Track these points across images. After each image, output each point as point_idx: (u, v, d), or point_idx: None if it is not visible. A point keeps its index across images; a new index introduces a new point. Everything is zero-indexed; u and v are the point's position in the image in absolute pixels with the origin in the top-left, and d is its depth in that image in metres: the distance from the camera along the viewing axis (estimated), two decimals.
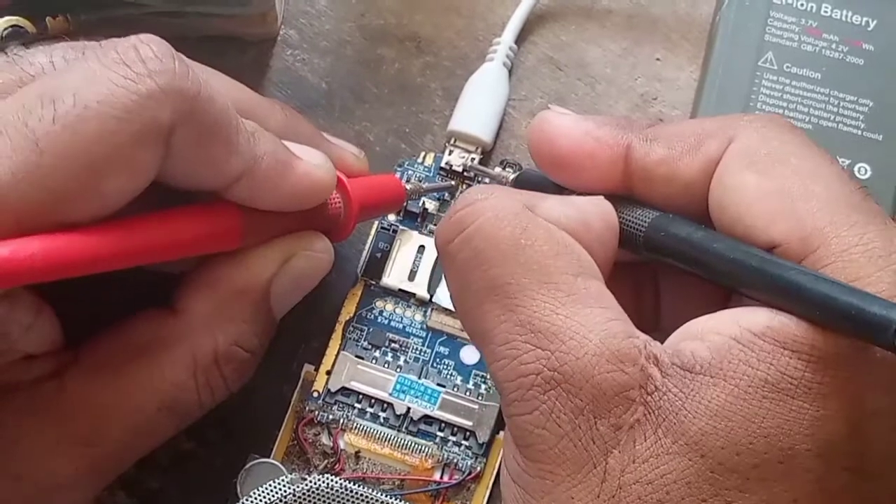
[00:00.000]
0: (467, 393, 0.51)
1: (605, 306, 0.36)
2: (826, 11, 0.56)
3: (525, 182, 0.45)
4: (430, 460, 0.50)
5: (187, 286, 0.45)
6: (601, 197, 0.40)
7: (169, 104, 0.39)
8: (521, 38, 0.58)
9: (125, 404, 0.43)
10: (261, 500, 0.46)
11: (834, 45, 0.55)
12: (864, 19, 0.56)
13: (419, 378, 0.51)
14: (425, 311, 0.53)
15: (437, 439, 0.51)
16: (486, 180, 0.53)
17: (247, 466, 0.48)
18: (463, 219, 0.38)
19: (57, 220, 0.38)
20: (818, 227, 0.35)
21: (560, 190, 0.41)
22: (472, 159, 0.55)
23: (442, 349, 0.52)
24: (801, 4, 0.56)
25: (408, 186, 0.52)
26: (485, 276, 0.37)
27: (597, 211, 0.39)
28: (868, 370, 0.34)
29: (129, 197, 0.39)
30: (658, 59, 0.58)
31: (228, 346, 0.44)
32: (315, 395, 0.50)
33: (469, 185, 0.54)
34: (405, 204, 0.53)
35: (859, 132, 0.54)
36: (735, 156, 0.38)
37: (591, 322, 0.35)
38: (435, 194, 0.54)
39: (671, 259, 0.38)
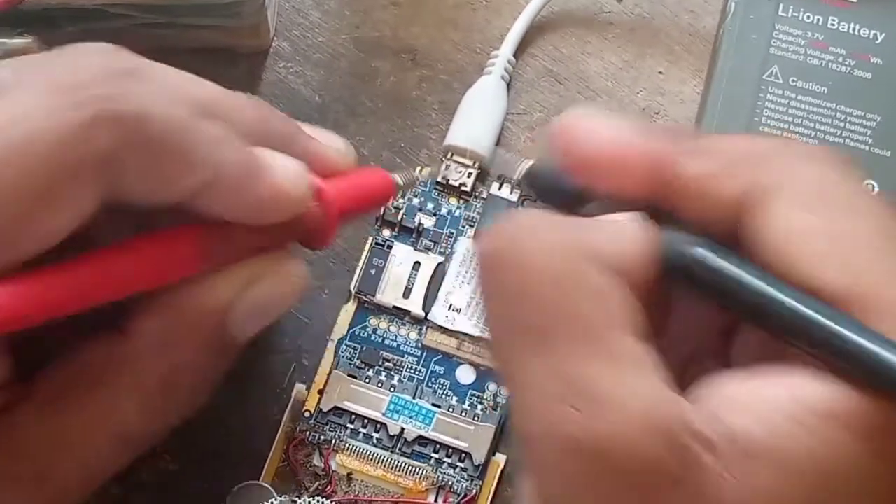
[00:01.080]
0: (463, 413, 0.50)
1: (652, 369, 0.33)
2: (833, 24, 0.55)
3: (537, 177, 0.42)
4: (424, 482, 0.49)
5: (139, 306, 0.42)
6: (642, 220, 0.37)
7: (105, 131, 0.36)
8: (520, 51, 0.57)
9: (75, 437, 0.41)
10: None
11: (841, 59, 0.54)
12: (872, 32, 0.54)
13: (413, 398, 0.50)
14: (420, 329, 0.51)
15: (432, 461, 0.49)
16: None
17: (235, 489, 0.47)
18: (513, 243, 0.35)
19: None
20: (871, 279, 0.33)
21: (578, 192, 0.39)
22: (470, 174, 0.53)
23: (437, 368, 0.51)
24: (808, 17, 0.55)
25: (399, 180, 0.48)
26: (528, 316, 0.34)
27: (645, 243, 0.36)
28: None
29: (73, 227, 0.37)
30: (661, 73, 0.57)
31: (176, 372, 0.42)
32: (307, 414, 0.49)
33: (466, 202, 0.53)
34: (400, 218, 0.52)
35: (867, 147, 0.52)
36: (786, 187, 0.35)
37: (635, 389, 0.33)
38: (431, 209, 0.53)
39: (708, 294, 0.36)
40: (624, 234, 0.36)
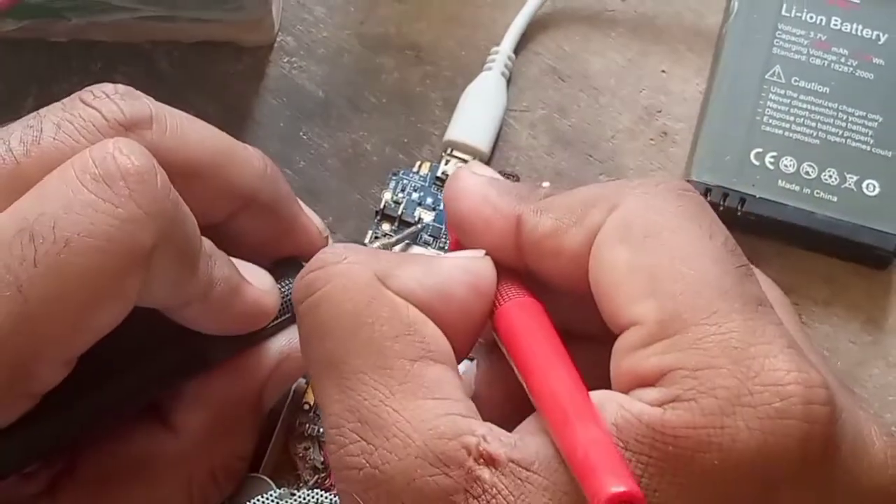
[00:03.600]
0: None
1: (441, 397, 0.34)
2: (835, 25, 0.55)
3: None
4: None
5: (182, 401, 0.43)
6: (482, 253, 0.39)
7: (152, 226, 0.36)
8: (522, 48, 0.57)
9: None
10: None
11: (843, 59, 0.54)
12: (875, 33, 0.55)
13: None
14: None
15: None
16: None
17: None
18: (312, 283, 0.37)
19: (49, 362, 0.36)
20: (678, 313, 0.33)
21: None
22: (462, 165, 0.53)
23: None
24: (810, 17, 0.55)
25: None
26: (324, 349, 0.36)
27: (463, 276, 0.37)
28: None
29: (117, 323, 0.37)
30: (663, 71, 0.57)
31: (225, 461, 0.44)
32: (306, 407, 0.49)
33: None
34: (400, 213, 0.52)
35: (868, 148, 0.52)
36: (611, 227, 0.36)
37: (419, 418, 0.33)
38: (431, 204, 0.53)
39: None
40: (440, 268, 0.38)
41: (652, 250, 0.35)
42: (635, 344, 0.34)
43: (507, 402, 0.36)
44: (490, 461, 0.32)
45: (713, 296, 0.33)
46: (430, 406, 0.34)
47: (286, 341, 0.45)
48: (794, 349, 0.33)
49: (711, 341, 0.32)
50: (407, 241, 0.52)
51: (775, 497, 0.32)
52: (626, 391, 0.33)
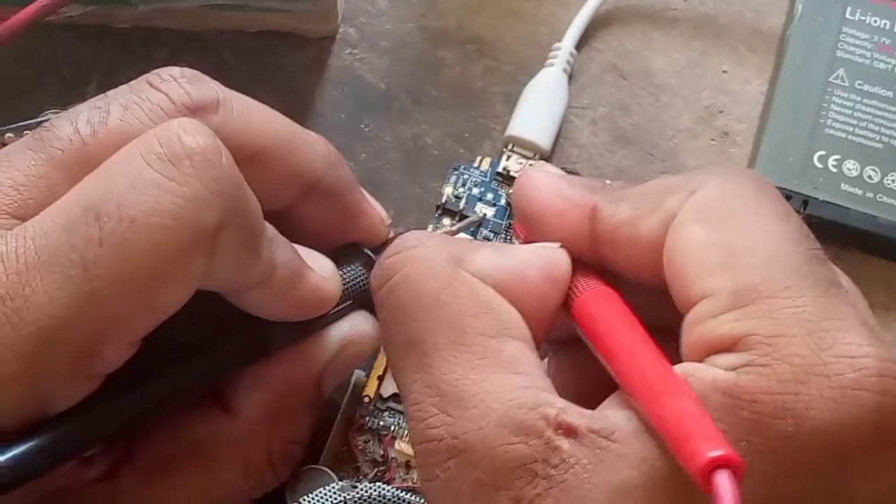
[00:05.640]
0: None
1: (520, 371, 0.35)
2: None
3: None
4: None
5: (242, 384, 0.43)
6: (557, 245, 0.39)
7: (216, 205, 0.36)
8: (584, 45, 0.57)
9: None
10: None
11: None
12: None
13: None
14: None
15: None
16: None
17: (296, 472, 0.47)
18: (391, 267, 0.37)
19: (115, 342, 0.36)
20: (752, 285, 0.33)
21: None
22: (530, 165, 0.53)
23: None
24: (875, 21, 0.55)
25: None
26: (405, 329, 0.36)
27: (538, 262, 0.38)
28: None
29: (181, 304, 0.37)
30: (725, 72, 0.57)
31: (283, 445, 0.44)
32: (366, 400, 0.49)
33: None
34: (461, 208, 0.52)
35: None
36: (690, 208, 0.36)
37: (499, 390, 0.34)
38: (491, 199, 0.53)
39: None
40: (513, 251, 0.38)
41: (728, 228, 0.35)
42: (709, 313, 0.34)
43: (576, 399, 0.36)
44: (569, 431, 0.33)
45: (788, 272, 0.34)
46: (509, 380, 0.34)
47: (347, 328, 0.45)
48: (867, 327, 0.33)
49: (786, 313, 0.33)
50: (467, 231, 0.52)
51: (849, 468, 0.32)
52: (698, 360, 0.34)
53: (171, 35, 0.56)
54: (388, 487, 0.45)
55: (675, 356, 0.35)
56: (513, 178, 0.53)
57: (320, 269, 0.43)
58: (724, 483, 0.29)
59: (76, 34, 0.56)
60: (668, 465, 0.32)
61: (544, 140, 0.54)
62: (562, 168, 0.54)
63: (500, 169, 0.54)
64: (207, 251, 0.36)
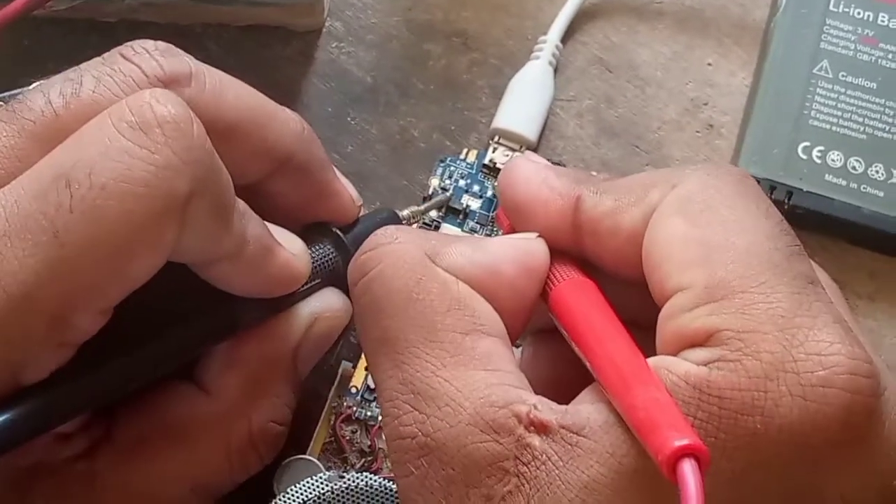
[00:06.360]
0: None
1: (492, 368, 0.35)
2: (883, 21, 0.55)
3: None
4: None
5: (216, 363, 0.43)
6: (534, 235, 0.39)
7: (188, 174, 0.36)
8: (570, 38, 0.57)
9: (157, 489, 0.42)
10: (298, 498, 0.44)
11: (891, 56, 0.54)
12: None
13: None
14: None
15: None
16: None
17: (283, 463, 0.47)
18: (366, 263, 0.37)
19: (86, 310, 0.36)
20: (726, 280, 0.33)
21: None
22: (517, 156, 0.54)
23: None
24: (858, 13, 0.55)
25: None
26: (379, 326, 0.36)
27: (513, 254, 0.38)
28: None
29: (153, 273, 0.37)
30: (709, 64, 0.57)
31: (263, 424, 0.44)
32: (353, 390, 0.49)
33: None
34: (448, 202, 0.52)
35: None
36: (670, 202, 0.36)
37: (471, 387, 0.34)
38: (478, 191, 0.53)
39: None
40: (487, 245, 0.38)
41: (707, 223, 0.35)
42: (683, 306, 0.34)
43: (552, 388, 0.37)
44: (541, 428, 0.33)
45: (763, 267, 0.34)
46: (481, 376, 0.34)
47: (318, 304, 0.45)
48: (841, 325, 0.33)
49: (759, 308, 0.33)
50: (437, 210, 0.53)
51: (818, 466, 0.32)
52: (671, 354, 0.34)
53: (157, 29, 0.56)
54: (376, 478, 0.45)
55: (652, 351, 0.35)
56: (499, 170, 0.53)
57: (290, 247, 0.43)
58: (688, 472, 0.30)
59: (63, 28, 0.56)
60: (637, 458, 0.32)
61: (530, 132, 0.54)
62: (548, 160, 0.54)
63: (486, 161, 0.54)
64: (178, 219, 0.36)
